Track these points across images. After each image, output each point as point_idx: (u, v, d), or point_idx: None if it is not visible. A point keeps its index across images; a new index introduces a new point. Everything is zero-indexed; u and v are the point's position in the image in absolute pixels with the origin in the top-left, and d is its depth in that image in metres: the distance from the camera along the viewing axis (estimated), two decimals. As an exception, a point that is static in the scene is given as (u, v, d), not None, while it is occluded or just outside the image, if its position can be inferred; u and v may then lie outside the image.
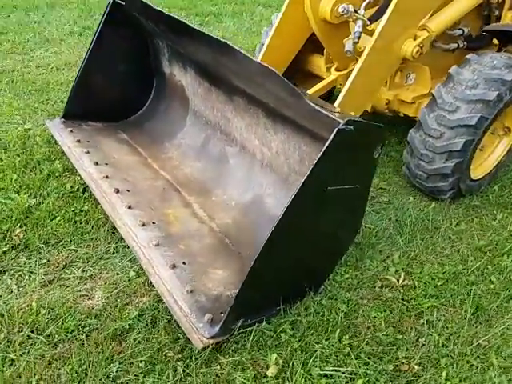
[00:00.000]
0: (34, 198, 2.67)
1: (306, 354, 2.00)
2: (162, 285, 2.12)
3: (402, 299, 2.35)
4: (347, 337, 2.09)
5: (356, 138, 1.84)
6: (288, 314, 2.15)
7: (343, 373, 1.95)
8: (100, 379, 1.82)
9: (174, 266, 2.19)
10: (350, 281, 2.40)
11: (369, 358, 2.03)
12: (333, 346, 2.05)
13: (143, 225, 2.41)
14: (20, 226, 2.47)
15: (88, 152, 2.91)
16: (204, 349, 1.91)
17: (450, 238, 2.80)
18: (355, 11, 2.68)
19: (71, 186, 2.80)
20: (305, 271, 2.20)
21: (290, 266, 2.06)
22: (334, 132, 1.76)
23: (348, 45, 2.75)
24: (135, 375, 1.86)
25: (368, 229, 2.78)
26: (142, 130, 3.38)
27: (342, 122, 1.76)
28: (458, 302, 2.35)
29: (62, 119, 3.22)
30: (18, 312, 2.05)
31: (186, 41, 2.82)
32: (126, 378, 1.85)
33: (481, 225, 2.94)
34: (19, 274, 2.26)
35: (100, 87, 3.23)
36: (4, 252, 2.34)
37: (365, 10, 2.74)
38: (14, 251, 2.36)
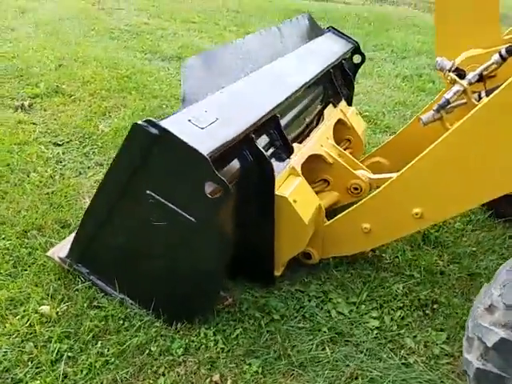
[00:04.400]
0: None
1: (117, 351, 1.78)
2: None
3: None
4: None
5: (165, 148, 1.59)
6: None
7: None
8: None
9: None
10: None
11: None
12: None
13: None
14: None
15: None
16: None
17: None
18: (457, 72, 1.92)
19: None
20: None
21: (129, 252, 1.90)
22: (132, 126, 1.61)
23: (426, 115, 1.95)
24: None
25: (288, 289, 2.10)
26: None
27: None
28: None
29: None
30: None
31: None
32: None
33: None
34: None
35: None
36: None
37: (482, 76, 1.94)
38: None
